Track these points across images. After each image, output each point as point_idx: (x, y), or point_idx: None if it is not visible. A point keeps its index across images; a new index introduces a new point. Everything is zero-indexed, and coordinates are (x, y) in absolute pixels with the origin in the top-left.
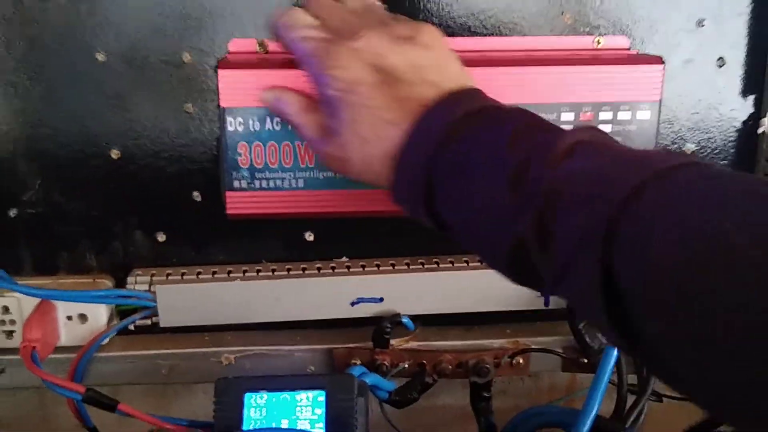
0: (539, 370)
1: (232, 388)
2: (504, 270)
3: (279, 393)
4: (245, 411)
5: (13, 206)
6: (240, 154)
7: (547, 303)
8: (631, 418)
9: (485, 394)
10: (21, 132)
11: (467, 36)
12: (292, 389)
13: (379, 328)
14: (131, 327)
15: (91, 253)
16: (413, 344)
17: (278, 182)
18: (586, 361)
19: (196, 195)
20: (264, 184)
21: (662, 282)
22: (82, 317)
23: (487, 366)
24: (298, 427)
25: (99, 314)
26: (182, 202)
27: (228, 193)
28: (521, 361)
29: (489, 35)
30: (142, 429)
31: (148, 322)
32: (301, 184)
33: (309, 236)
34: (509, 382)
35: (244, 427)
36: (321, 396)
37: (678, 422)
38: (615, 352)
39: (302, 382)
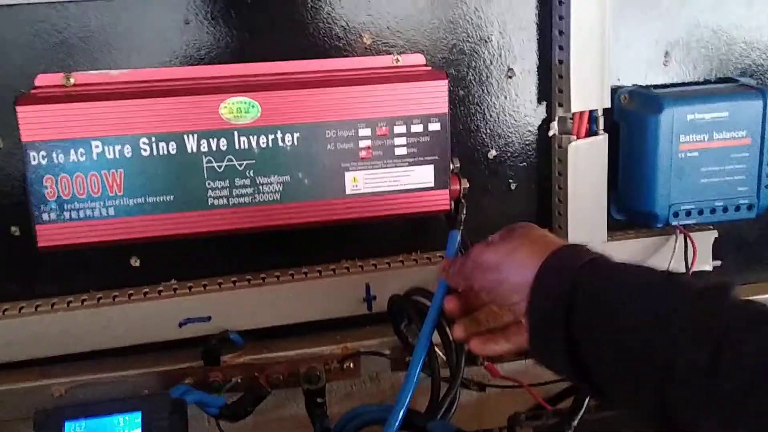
0: (371, 372)
1: (51, 419)
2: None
3: (97, 419)
4: None
5: None
6: (46, 187)
7: (370, 308)
8: (443, 408)
9: (319, 400)
10: None
11: (270, 60)
12: (110, 413)
13: (208, 347)
14: None
15: None
16: (245, 359)
17: (88, 212)
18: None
19: (15, 230)
20: (74, 215)
21: None
22: None
23: (318, 373)
24: None
25: None
26: (1, 237)
27: (38, 227)
28: (351, 365)
29: (292, 59)
30: None
31: None
32: (112, 212)
33: (135, 262)
34: (353, 385)
35: None
36: (137, 417)
37: (505, 409)
38: (424, 348)
39: (119, 405)
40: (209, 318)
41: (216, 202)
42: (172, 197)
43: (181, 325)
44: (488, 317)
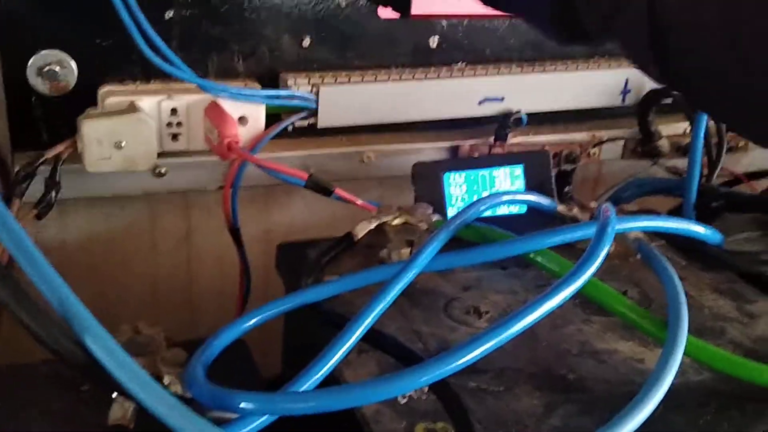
0: (606, 158)
1: (430, 171)
2: (547, 25)
3: (477, 170)
4: (446, 190)
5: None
6: None
7: (623, 100)
8: (715, 174)
9: (569, 180)
10: None
11: None
12: (489, 166)
13: (502, 124)
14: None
15: (239, 57)
16: (525, 138)
17: None
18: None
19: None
20: None
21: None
22: (242, 120)
23: (575, 154)
24: None
25: (258, 116)
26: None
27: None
28: (596, 151)
29: None
30: None
31: (305, 123)
32: None
33: (433, 44)
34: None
35: (449, 205)
36: (518, 170)
37: None
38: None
39: (497, 160)
40: (503, 99)
41: None
42: None
43: (479, 103)
44: None
